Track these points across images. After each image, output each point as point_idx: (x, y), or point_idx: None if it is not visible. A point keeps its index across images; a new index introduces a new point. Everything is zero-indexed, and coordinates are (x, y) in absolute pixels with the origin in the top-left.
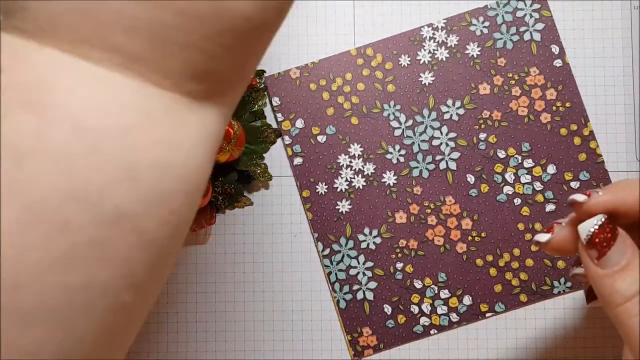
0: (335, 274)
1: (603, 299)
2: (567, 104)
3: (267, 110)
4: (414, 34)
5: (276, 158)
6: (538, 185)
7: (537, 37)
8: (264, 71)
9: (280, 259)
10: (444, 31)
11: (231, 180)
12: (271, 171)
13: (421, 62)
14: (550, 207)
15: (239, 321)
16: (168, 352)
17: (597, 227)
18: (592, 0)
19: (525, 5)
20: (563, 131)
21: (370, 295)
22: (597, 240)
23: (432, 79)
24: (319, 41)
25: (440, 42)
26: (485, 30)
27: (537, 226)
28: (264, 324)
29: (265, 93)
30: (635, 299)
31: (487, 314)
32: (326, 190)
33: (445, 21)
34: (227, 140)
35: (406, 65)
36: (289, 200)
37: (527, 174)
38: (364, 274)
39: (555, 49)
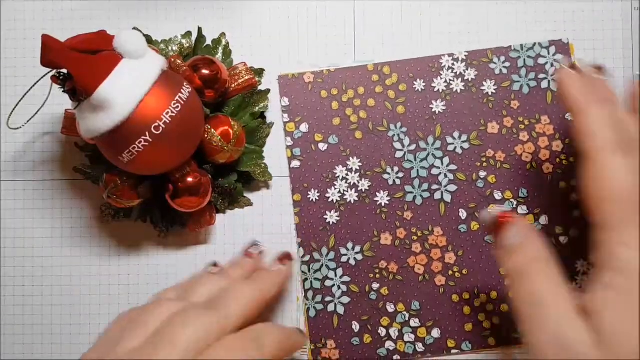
0: (311, 282)
1: (505, 269)
2: (571, 159)
3: (266, 110)
4: (434, 60)
5: (276, 158)
6: None
7: (554, 86)
8: (263, 69)
9: None
10: (464, 63)
11: (231, 180)
12: (271, 171)
13: (435, 89)
14: None
15: None
16: None
17: (495, 215)
18: (593, 1)
19: (548, 54)
20: (562, 184)
21: (341, 310)
22: (495, 226)
23: (443, 108)
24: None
25: (458, 73)
26: (505, 71)
27: None
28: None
29: (268, 96)
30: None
31: (453, 351)
32: (317, 198)
33: (467, 54)
34: (227, 141)
35: (420, 90)
36: (288, 201)
37: None
38: (339, 287)
39: None
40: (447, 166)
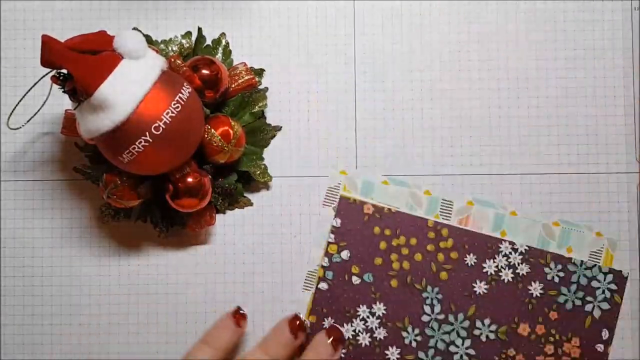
0: None
1: None
2: None
3: (266, 110)
4: (494, 241)
5: (276, 159)
6: None
7: (597, 314)
8: (263, 70)
9: (279, 260)
10: (521, 257)
11: (231, 180)
12: (271, 172)
13: (484, 270)
14: None
15: None
16: (167, 353)
17: None
18: (593, 1)
19: (604, 281)
20: None
21: None
22: None
23: (485, 291)
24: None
25: (511, 264)
26: (557, 279)
27: None
28: (263, 324)
29: (266, 94)
30: None
31: None
32: None
33: (527, 248)
34: (227, 141)
35: (470, 265)
36: (288, 201)
37: None
38: None
39: (605, 334)
40: (467, 349)
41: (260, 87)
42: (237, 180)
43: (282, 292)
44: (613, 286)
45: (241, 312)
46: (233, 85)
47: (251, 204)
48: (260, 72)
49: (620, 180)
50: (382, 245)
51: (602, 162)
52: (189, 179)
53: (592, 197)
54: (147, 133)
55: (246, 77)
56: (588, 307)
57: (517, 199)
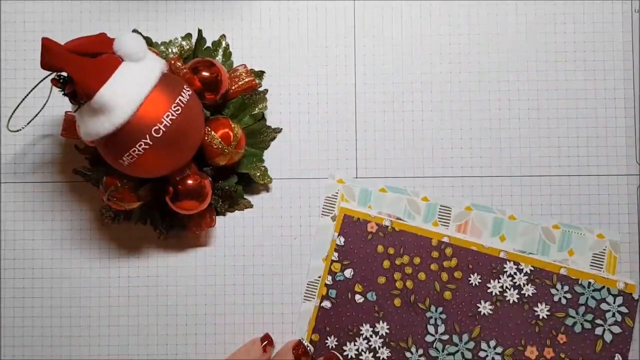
0: None
1: None
2: None
3: (267, 112)
4: (498, 261)
5: (276, 161)
6: None
7: (608, 337)
8: (263, 72)
9: (279, 262)
10: (526, 277)
11: (231, 182)
12: (271, 174)
13: (489, 290)
14: None
15: (238, 324)
16: (167, 354)
17: None
18: (593, 1)
19: (613, 303)
20: None
21: None
22: None
23: (490, 312)
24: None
25: (517, 284)
26: (564, 301)
27: None
28: (263, 326)
29: (266, 96)
30: None
31: None
32: (334, 346)
33: (532, 269)
34: (227, 144)
35: (474, 285)
36: (288, 203)
37: None
38: None
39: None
40: None
41: (261, 89)
42: (237, 183)
43: (282, 294)
44: (624, 309)
45: (269, 339)
46: (233, 87)
47: (251, 206)
48: (260, 74)
49: (620, 182)
50: (386, 264)
51: (602, 164)
52: (189, 181)
53: (592, 200)
54: (147, 136)
55: (246, 79)
56: (598, 331)
57: (516, 201)
